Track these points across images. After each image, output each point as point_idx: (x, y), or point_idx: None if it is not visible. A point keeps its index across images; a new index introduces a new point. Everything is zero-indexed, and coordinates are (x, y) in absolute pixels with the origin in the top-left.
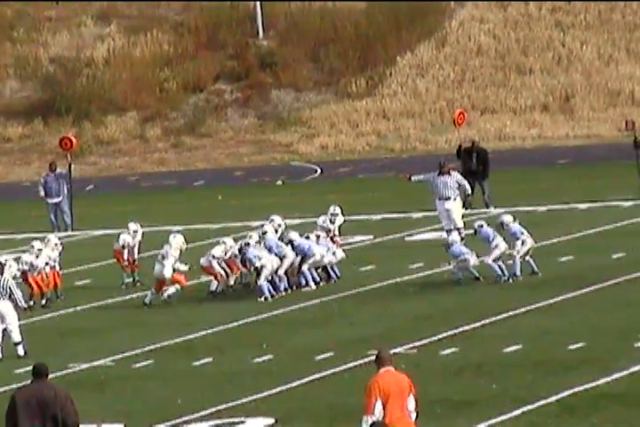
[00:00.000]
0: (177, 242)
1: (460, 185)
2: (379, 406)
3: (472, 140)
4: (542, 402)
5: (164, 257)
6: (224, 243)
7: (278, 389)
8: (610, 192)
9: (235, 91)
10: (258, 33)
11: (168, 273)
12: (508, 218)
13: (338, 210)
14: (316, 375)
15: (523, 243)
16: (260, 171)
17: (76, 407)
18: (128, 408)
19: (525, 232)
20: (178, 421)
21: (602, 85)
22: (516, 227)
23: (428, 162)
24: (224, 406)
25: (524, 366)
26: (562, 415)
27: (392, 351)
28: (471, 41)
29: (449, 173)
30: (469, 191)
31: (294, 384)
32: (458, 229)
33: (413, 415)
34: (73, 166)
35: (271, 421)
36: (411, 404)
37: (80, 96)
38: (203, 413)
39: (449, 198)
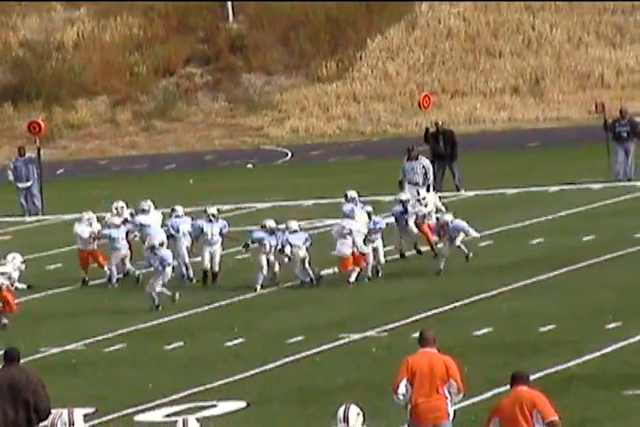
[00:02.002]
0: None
1: (425, 171)
2: (405, 385)
3: (435, 122)
4: None
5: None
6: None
7: (250, 372)
8: (580, 175)
9: (205, 74)
10: (228, 16)
11: (349, 250)
12: (449, 217)
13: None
14: (288, 359)
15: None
16: (231, 154)
17: (47, 392)
18: (100, 392)
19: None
20: (149, 405)
21: (571, 68)
22: (457, 224)
23: (398, 145)
24: (196, 389)
25: (495, 348)
26: None
27: (363, 335)
28: (441, 24)
29: (417, 158)
30: (432, 179)
31: (266, 368)
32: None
33: (456, 398)
34: (43, 151)
35: (243, 404)
36: (452, 387)
37: (50, 80)
38: (174, 397)
39: (418, 183)
